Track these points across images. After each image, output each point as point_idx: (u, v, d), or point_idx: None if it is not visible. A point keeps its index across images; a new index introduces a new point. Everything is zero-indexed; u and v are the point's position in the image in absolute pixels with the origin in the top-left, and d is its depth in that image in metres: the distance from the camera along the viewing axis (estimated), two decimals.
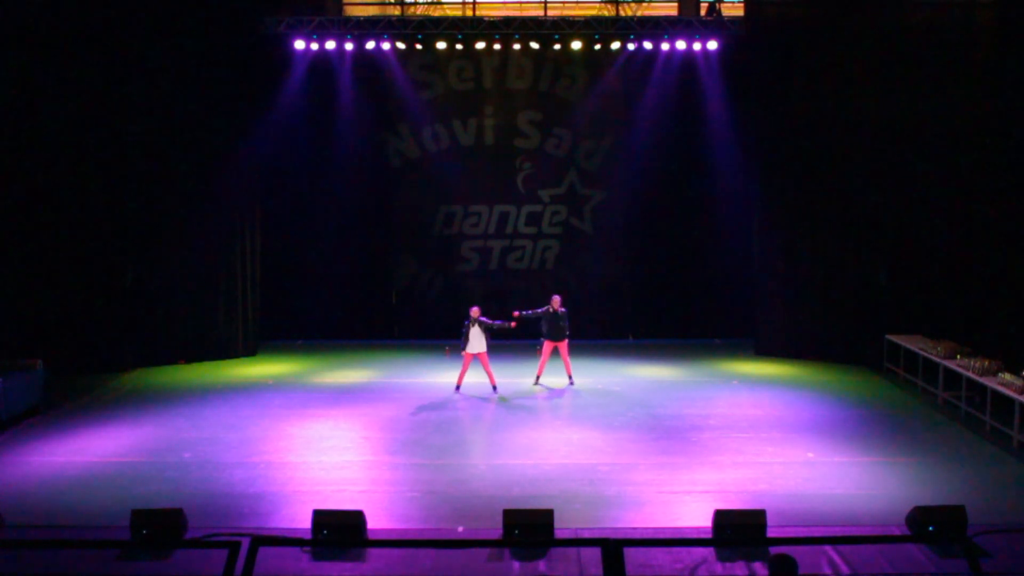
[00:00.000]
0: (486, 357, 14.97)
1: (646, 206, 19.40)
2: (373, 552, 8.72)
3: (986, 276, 16.92)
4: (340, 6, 19.60)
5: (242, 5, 17.50)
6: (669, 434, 12.86)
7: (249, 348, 18.26)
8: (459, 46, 18.37)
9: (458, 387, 15.13)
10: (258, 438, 12.67)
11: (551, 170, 19.46)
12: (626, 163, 19.39)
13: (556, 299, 15.52)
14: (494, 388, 15.12)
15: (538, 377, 15.72)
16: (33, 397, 13.69)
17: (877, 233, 17.32)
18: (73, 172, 16.70)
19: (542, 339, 15.52)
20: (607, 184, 19.52)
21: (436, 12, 19.73)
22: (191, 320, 17.61)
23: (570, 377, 15.72)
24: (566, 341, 15.53)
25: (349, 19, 18.61)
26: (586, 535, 9.14)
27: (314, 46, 18.05)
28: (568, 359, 15.70)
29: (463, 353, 14.98)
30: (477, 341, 14.85)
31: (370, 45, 18.07)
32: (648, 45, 18.13)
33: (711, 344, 19.24)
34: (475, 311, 15.02)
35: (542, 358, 15.70)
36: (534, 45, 18.30)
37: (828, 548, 8.64)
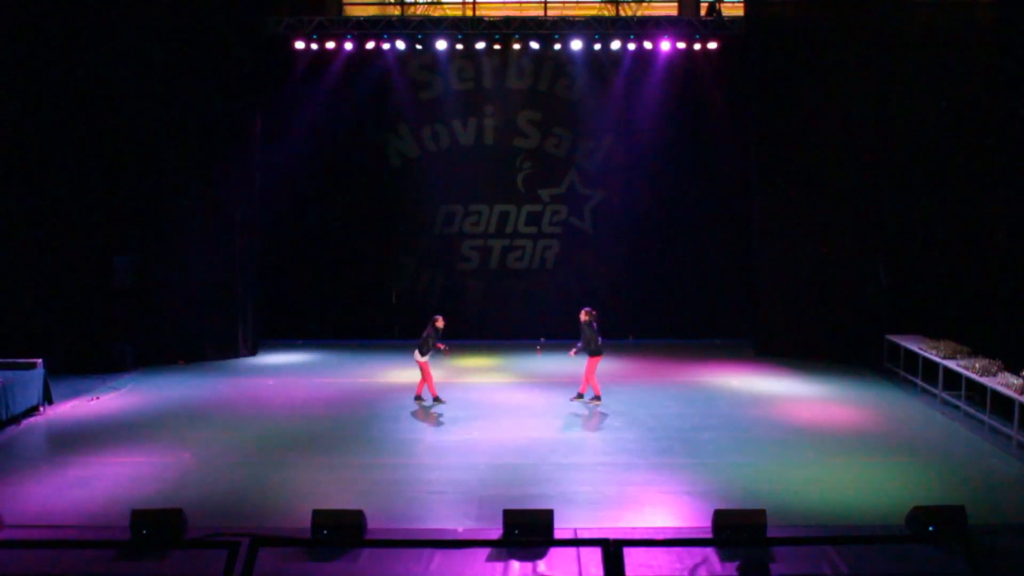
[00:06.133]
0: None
1: (646, 206, 19.43)
2: (373, 552, 8.71)
3: (986, 276, 16.94)
4: (340, 6, 19.62)
5: (242, 5, 17.50)
6: (669, 434, 12.85)
7: (249, 348, 18.27)
8: (459, 46, 18.39)
9: (436, 396, 14.44)
10: (258, 438, 12.67)
11: (551, 170, 19.48)
12: (626, 163, 19.42)
13: (583, 312, 14.27)
14: (418, 398, 14.46)
15: (597, 395, 14.41)
16: (33, 397, 13.69)
17: (877, 233, 17.33)
18: (73, 172, 16.73)
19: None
20: (607, 184, 19.53)
21: (436, 12, 19.75)
22: (191, 320, 17.61)
23: (581, 394, 14.62)
24: (594, 357, 14.17)
25: (349, 19, 18.64)
26: (586, 535, 9.13)
27: (314, 46, 18.07)
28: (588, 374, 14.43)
29: (422, 362, 14.10)
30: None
31: (370, 45, 18.08)
32: (648, 45, 18.14)
33: (711, 344, 19.25)
34: (441, 322, 14.28)
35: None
36: (534, 45, 18.30)
37: (828, 548, 8.64)
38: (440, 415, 13.88)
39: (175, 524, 8.90)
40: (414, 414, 13.90)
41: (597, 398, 14.38)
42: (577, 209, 19.62)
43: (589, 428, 13.23)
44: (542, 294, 19.50)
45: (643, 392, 15.29)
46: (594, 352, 14.08)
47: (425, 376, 14.27)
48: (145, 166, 17.07)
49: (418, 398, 14.43)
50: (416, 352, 14.10)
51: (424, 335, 14.06)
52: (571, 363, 15.98)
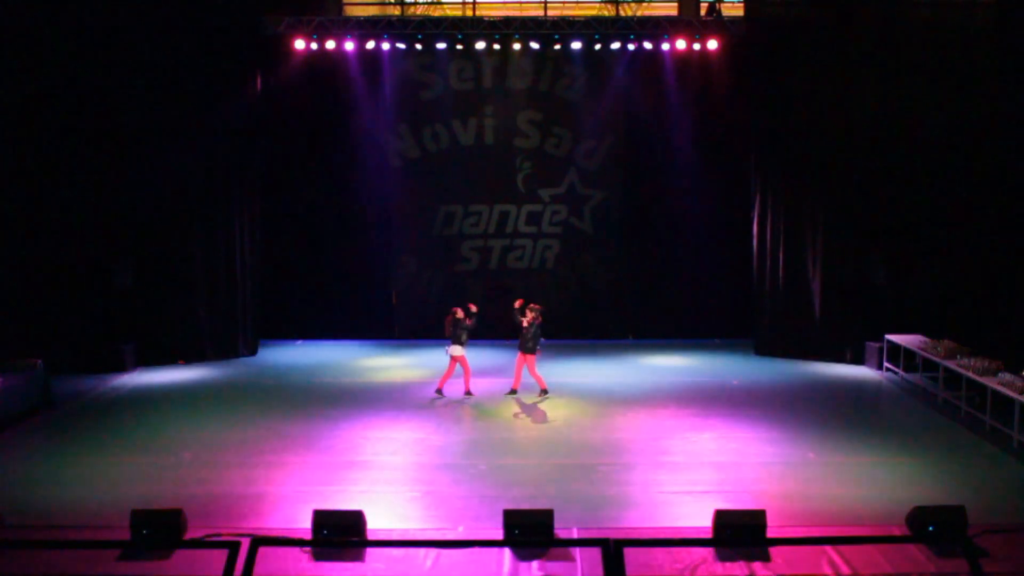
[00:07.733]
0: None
1: (646, 206, 19.42)
2: (373, 552, 8.71)
3: (986, 276, 16.94)
4: (340, 6, 19.59)
5: (242, 5, 17.51)
6: (669, 434, 12.86)
7: (249, 348, 18.26)
8: (459, 46, 18.37)
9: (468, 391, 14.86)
10: (258, 438, 12.67)
11: (551, 170, 19.46)
12: (626, 163, 19.41)
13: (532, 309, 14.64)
14: (468, 392, 14.85)
15: (515, 390, 14.95)
16: (33, 397, 13.69)
17: (877, 233, 17.33)
18: (73, 172, 16.72)
19: (542, 340, 15.12)
20: (607, 184, 19.51)
21: (436, 12, 19.73)
22: (191, 320, 17.61)
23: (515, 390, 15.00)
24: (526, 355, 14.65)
25: (349, 19, 18.62)
26: (586, 535, 9.14)
27: (314, 46, 18.05)
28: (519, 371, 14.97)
29: (459, 356, 14.54)
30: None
31: (370, 45, 18.07)
32: (648, 45, 18.13)
33: (711, 344, 19.24)
34: (461, 312, 14.63)
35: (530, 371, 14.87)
36: (534, 45, 18.29)
37: (828, 548, 8.64)
38: (439, 415, 13.88)
39: (175, 524, 8.90)
40: (414, 414, 13.90)
41: (514, 392, 14.85)
42: (577, 209, 19.61)
43: (588, 428, 13.22)
44: (542, 294, 19.46)
45: (643, 392, 15.28)
46: (533, 350, 14.52)
47: (465, 368, 14.63)
48: (145, 166, 17.05)
49: (468, 393, 14.75)
50: (452, 347, 14.43)
51: (455, 330, 14.40)
52: (570, 363, 16.02)
